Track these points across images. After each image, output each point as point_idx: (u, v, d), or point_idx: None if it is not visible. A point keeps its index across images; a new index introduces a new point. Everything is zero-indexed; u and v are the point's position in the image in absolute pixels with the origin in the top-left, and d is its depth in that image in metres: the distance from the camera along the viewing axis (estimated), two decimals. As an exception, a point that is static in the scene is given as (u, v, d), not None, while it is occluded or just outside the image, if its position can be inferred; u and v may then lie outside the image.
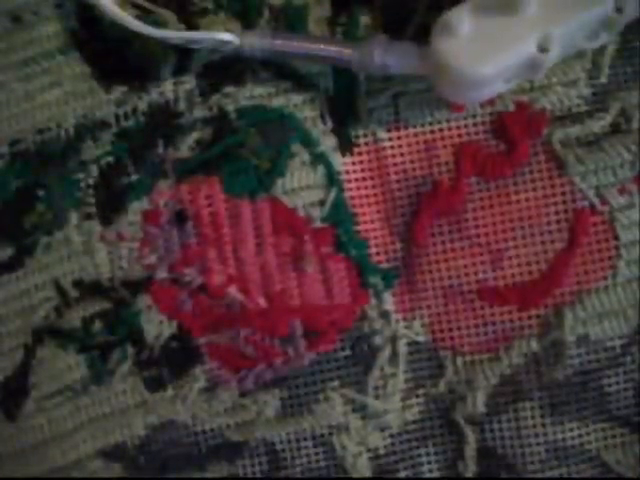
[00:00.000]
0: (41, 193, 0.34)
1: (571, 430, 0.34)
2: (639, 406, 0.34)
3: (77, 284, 0.34)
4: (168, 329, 0.34)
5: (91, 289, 0.34)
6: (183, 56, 0.34)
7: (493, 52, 0.30)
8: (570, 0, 0.30)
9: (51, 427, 0.35)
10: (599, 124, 0.34)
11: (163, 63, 0.34)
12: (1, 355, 0.34)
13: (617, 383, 0.34)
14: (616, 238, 0.34)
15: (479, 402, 0.34)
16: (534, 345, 0.34)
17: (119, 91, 0.34)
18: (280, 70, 0.34)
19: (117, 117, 0.34)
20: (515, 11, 0.30)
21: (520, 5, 0.30)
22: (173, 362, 0.34)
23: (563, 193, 0.34)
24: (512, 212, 0.34)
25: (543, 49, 0.30)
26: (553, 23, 0.30)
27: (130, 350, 0.34)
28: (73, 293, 0.34)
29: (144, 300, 0.34)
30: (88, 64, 0.34)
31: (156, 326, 0.34)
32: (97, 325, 0.34)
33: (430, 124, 0.34)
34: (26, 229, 0.34)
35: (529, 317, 0.34)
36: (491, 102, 0.34)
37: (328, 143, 0.34)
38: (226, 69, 0.34)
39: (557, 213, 0.34)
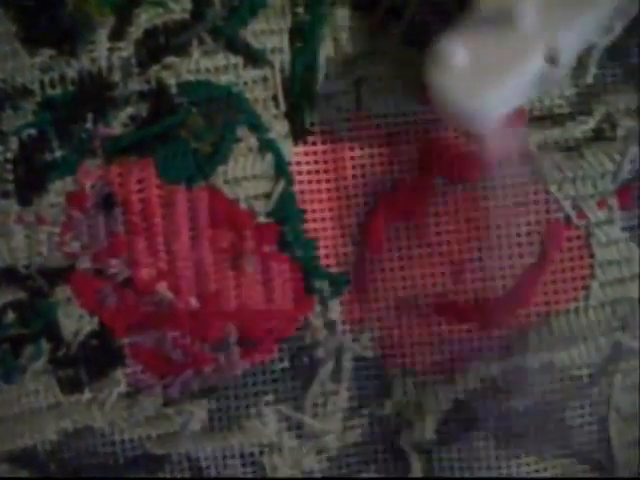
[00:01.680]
0: (-48, 166, 0.34)
1: (528, 464, 0.34)
2: (603, 442, 0.34)
3: (-11, 269, 0.34)
4: (88, 325, 0.33)
5: (5, 276, 0.33)
6: (122, 19, 0.32)
7: (494, 79, 0.29)
8: (570, 3, 0.29)
9: (-47, 426, 0.34)
10: (581, 128, 0.33)
11: (99, 25, 0.32)
12: None
13: (581, 416, 0.33)
14: (591, 256, 0.33)
15: (428, 428, 0.34)
16: (493, 369, 0.33)
17: (46, 55, 0.32)
18: (231, 42, 0.33)
19: (42, 84, 0.33)
20: (512, 26, 0.29)
21: (516, 19, 0.29)
22: (92, 362, 0.34)
23: (536, 202, 0.33)
24: (479, 220, 0.33)
25: (552, 60, 0.29)
26: (556, 31, 0.29)
27: (45, 346, 0.33)
28: (-16, 279, 0.34)
29: (63, 291, 0.33)
30: (12, 22, 0.32)
31: (75, 321, 0.33)
32: (10, 316, 0.33)
33: (394, 115, 0.33)
34: None
35: (489, 338, 0.33)
36: (464, 95, 0.33)
37: (279, 129, 0.33)
38: (169, 36, 0.32)
39: (528, 224, 0.33)
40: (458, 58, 0.29)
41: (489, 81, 0.29)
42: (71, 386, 0.33)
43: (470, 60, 0.29)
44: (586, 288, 0.33)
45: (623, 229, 0.33)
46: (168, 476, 0.34)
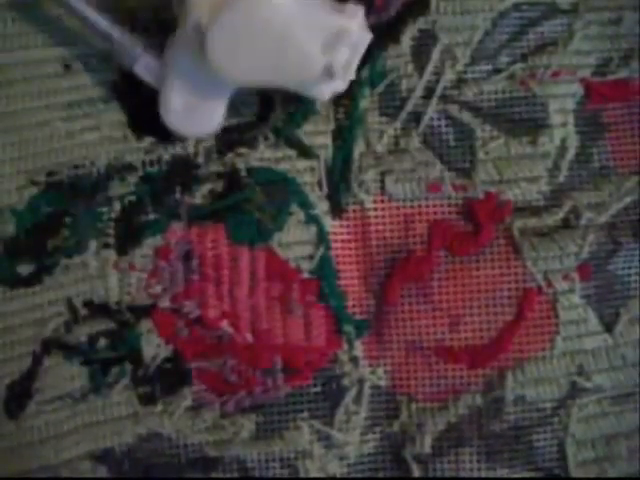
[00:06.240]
0: (68, 220, 0.36)
1: (502, 476, 0.37)
2: (561, 460, 0.37)
3: (87, 304, 0.37)
4: (164, 352, 0.36)
5: (99, 310, 0.37)
6: (205, 118, 0.36)
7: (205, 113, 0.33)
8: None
9: (48, 428, 0.37)
10: (553, 218, 0.37)
11: (188, 121, 0.36)
12: (11, 360, 0.37)
13: (545, 439, 0.37)
14: (556, 317, 0.37)
15: (426, 444, 0.37)
16: (478, 400, 0.37)
17: (148, 141, 0.37)
18: (288, 139, 0.37)
19: (144, 163, 0.37)
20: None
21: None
22: (165, 381, 0.37)
23: (516, 274, 0.37)
24: (472, 285, 0.37)
25: (329, 73, 0.32)
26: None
27: (128, 367, 0.37)
28: (83, 311, 0.37)
29: (146, 324, 0.36)
30: (125, 114, 0.36)
31: (154, 348, 0.36)
32: (101, 342, 0.36)
33: (410, 200, 0.37)
34: (49, 250, 0.36)
35: (476, 376, 0.37)
36: (464, 188, 0.37)
37: (322, 207, 0.37)
38: (242, 132, 0.37)
39: (509, 290, 0.37)
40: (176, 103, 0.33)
41: (201, 117, 0.33)
42: (147, 399, 0.36)
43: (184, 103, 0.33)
44: (552, 341, 0.36)
45: (581, 297, 0.37)
46: (220, 475, 0.36)
